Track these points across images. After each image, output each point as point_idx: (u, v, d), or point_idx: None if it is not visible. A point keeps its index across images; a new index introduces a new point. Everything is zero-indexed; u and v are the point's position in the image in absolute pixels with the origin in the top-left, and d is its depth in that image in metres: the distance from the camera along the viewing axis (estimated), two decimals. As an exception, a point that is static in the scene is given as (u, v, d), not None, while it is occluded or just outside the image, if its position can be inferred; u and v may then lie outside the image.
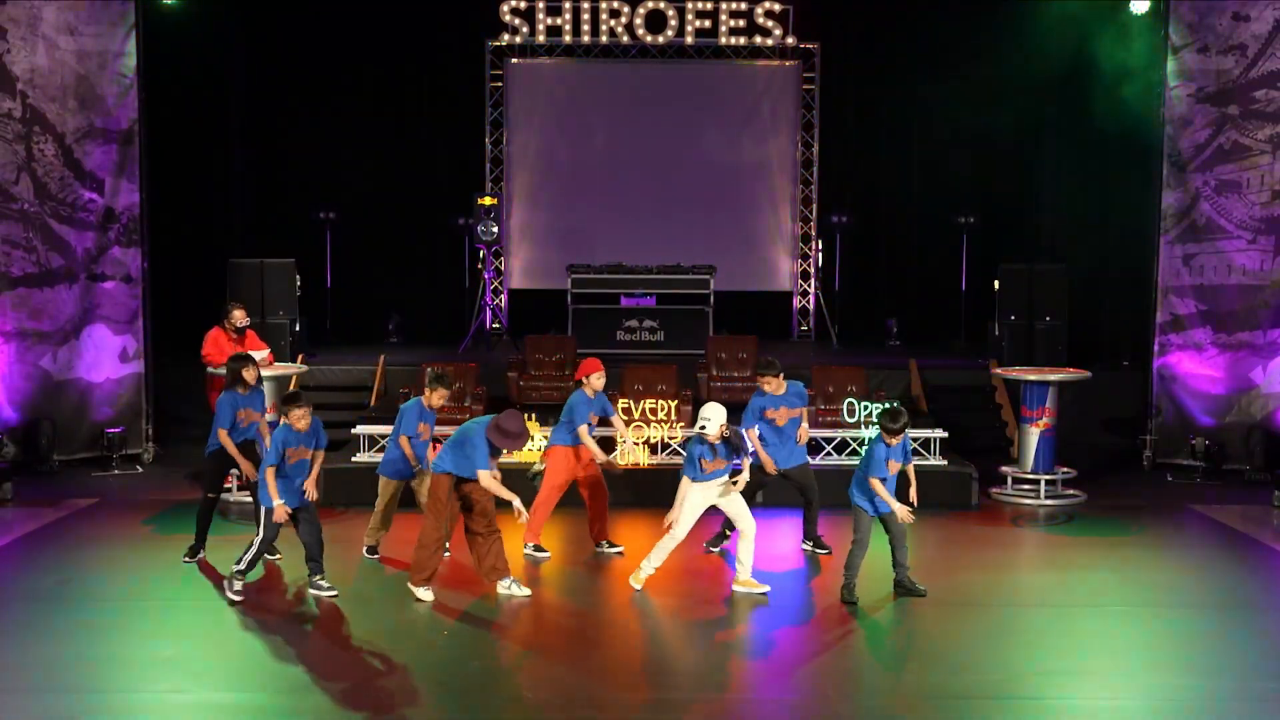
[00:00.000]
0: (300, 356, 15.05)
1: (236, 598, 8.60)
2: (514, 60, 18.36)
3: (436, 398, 9.61)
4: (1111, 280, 16.33)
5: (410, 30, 17.81)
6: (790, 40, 17.79)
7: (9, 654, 7.64)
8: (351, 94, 17.87)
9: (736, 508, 8.91)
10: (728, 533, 9.89)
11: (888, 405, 9.13)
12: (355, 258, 17.91)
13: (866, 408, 12.10)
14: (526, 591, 8.81)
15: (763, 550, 9.96)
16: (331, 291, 17.58)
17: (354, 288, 17.81)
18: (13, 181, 13.07)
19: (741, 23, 17.78)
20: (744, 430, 9.18)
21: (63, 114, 13.31)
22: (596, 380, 9.79)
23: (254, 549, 8.67)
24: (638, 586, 8.93)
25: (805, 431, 9.95)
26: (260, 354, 11.92)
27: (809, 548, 10.09)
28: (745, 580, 8.90)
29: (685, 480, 8.76)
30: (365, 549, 9.83)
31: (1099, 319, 16.65)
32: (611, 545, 9.98)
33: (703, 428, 8.64)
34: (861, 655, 7.89)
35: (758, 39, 17.80)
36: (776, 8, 17.67)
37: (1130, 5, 14.27)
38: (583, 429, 9.72)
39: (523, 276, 18.61)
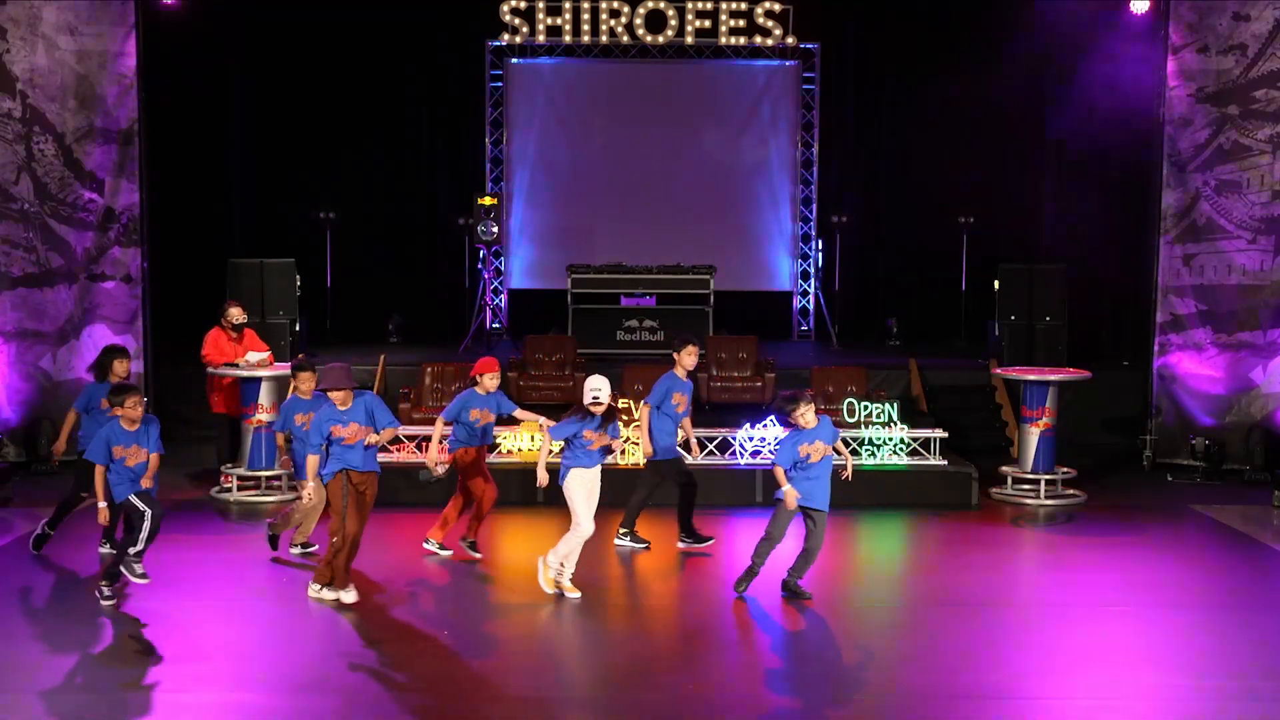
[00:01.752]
0: (300, 356, 15.03)
1: (107, 602, 8.50)
2: (514, 60, 18.36)
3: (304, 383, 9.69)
4: (1111, 280, 16.33)
5: (410, 30, 17.81)
6: (790, 40, 17.79)
7: (9, 654, 7.63)
8: (352, 94, 17.86)
9: (584, 507, 8.79)
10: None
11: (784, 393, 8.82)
12: (355, 258, 17.91)
13: (866, 408, 12.09)
14: (335, 597, 8.62)
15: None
16: (331, 291, 17.57)
17: (354, 288, 17.80)
18: (13, 181, 13.07)
19: (741, 23, 17.77)
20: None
21: (63, 114, 13.31)
22: (489, 380, 9.66)
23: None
24: (549, 590, 8.79)
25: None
26: (260, 355, 11.94)
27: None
28: (549, 578, 8.83)
29: (569, 472, 8.72)
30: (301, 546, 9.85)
31: (1099, 319, 16.65)
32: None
33: (595, 399, 8.65)
34: (861, 655, 7.89)
35: (757, 39, 17.79)
36: (776, 8, 17.67)
37: (1130, 5, 14.27)
38: (438, 421, 9.67)
39: (523, 276, 18.61)
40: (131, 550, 8.52)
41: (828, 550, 10.12)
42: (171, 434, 13.86)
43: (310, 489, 8.90)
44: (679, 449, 10.23)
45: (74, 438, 9.67)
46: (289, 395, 9.87)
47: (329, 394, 8.58)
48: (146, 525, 8.48)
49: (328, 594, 8.60)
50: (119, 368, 9.65)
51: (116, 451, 8.50)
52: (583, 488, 8.76)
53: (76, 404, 9.71)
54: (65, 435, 9.79)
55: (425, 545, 9.85)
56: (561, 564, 8.81)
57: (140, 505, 8.51)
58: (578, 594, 8.74)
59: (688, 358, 10.07)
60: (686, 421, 10.16)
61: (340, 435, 8.49)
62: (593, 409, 8.66)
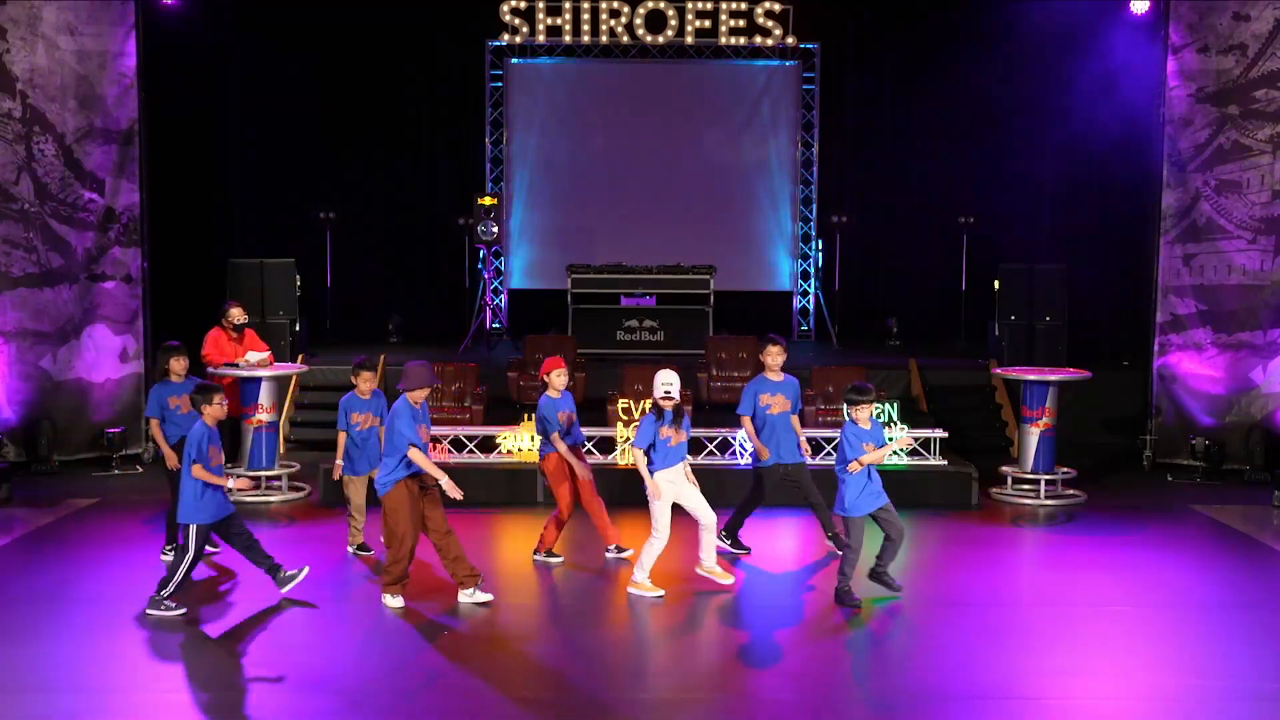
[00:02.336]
0: (300, 356, 15.06)
1: (169, 612, 8.37)
2: (514, 60, 18.37)
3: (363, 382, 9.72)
4: (1111, 280, 16.33)
5: (410, 30, 17.83)
6: (790, 40, 17.80)
7: (9, 654, 7.63)
8: (352, 94, 17.87)
9: (695, 500, 8.82)
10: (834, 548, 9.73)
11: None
12: (355, 258, 17.93)
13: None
14: (488, 596, 8.63)
15: (762, 550, 10.00)
16: (331, 291, 17.58)
17: (354, 288, 17.82)
18: (13, 181, 13.07)
19: (741, 23, 17.79)
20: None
21: (63, 114, 13.31)
22: (557, 379, 9.56)
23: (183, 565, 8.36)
24: (635, 592, 8.86)
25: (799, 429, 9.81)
26: (260, 355, 11.94)
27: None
28: (709, 568, 8.91)
29: (648, 475, 8.66)
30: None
31: (1099, 319, 16.65)
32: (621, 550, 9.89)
33: (667, 394, 8.61)
34: (861, 655, 7.89)
35: (758, 39, 17.80)
36: (776, 8, 17.68)
37: (1130, 5, 14.27)
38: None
39: (523, 276, 18.62)
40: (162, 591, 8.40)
41: (827, 550, 10.15)
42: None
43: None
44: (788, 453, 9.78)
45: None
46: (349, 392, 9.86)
47: (409, 394, 8.45)
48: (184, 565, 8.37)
49: (394, 601, 8.54)
50: (176, 366, 9.60)
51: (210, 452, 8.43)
52: (669, 489, 8.72)
53: (149, 411, 9.68)
54: (164, 444, 9.55)
55: (535, 559, 9.74)
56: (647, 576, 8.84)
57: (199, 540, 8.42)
58: (660, 591, 8.75)
59: (768, 358, 9.71)
60: (795, 420, 9.78)
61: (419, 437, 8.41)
62: (663, 404, 8.62)
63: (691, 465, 9.97)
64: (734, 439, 11.93)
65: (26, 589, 8.99)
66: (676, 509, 8.82)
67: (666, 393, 8.61)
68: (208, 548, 9.45)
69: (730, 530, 9.95)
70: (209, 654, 7.74)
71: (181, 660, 7.59)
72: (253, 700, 7.01)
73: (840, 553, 9.01)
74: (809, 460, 9.82)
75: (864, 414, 8.46)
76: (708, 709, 6.95)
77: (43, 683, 7.18)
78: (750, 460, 10.04)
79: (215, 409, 8.56)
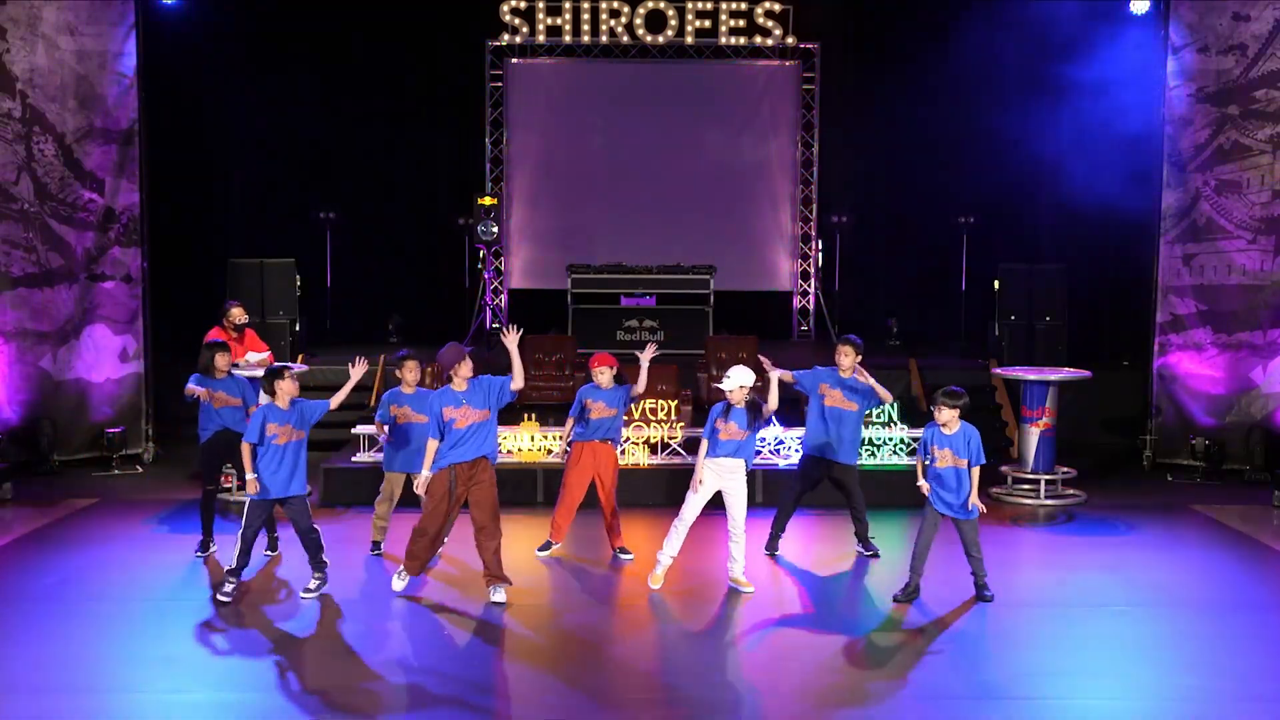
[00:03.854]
0: (300, 356, 15.06)
1: (225, 599, 8.55)
2: (514, 60, 18.38)
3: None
4: (1111, 280, 16.33)
5: (410, 30, 17.83)
6: (790, 40, 17.81)
7: (9, 654, 7.63)
8: (352, 94, 17.88)
9: (736, 504, 8.85)
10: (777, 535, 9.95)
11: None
12: (355, 258, 17.93)
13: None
14: (503, 599, 8.64)
15: (758, 550, 10.00)
16: (331, 291, 17.59)
17: (354, 288, 17.83)
18: (13, 181, 13.07)
19: (741, 23, 17.80)
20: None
21: (63, 114, 13.31)
22: (600, 375, 9.64)
23: (238, 543, 8.59)
24: (655, 586, 8.93)
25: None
26: (260, 355, 11.94)
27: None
28: (736, 578, 8.94)
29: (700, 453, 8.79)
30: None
31: (1099, 319, 16.66)
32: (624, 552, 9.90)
33: (733, 389, 8.69)
34: (861, 655, 7.89)
35: (757, 39, 17.81)
36: (776, 8, 17.69)
37: (1130, 5, 14.27)
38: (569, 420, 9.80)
39: (523, 276, 18.62)
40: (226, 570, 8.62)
41: (827, 551, 10.15)
42: (171, 434, 14.00)
43: (424, 479, 8.65)
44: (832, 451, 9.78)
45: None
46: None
47: (454, 376, 8.45)
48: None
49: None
50: (220, 362, 9.69)
51: (270, 429, 8.46)
52: (711, 479, 8.82)
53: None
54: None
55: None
56: (671, 558, 8.95)
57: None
58: (751, 588, 8.87)
59: (841, 358, 9.73)
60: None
61: (452, 417, 8.41)
62: (730, 398, 8.72)
63: (691, 465, 9.99)
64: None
65: (26, 589, 8.99)
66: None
67: (730, 388, 8.71)
68: (267, 552, 9.57)
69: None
70: (209, 654, 7.73)
71: (182, 660, 7.58)
72: (253, 700, 7.00)
73: (870, 556, 9.43)
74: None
75: (946, 417, 8.53)
76: (708, 708, 6.95)
77: (43, 683, 7.18)
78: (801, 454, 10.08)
79: (287, 384, 8.55)
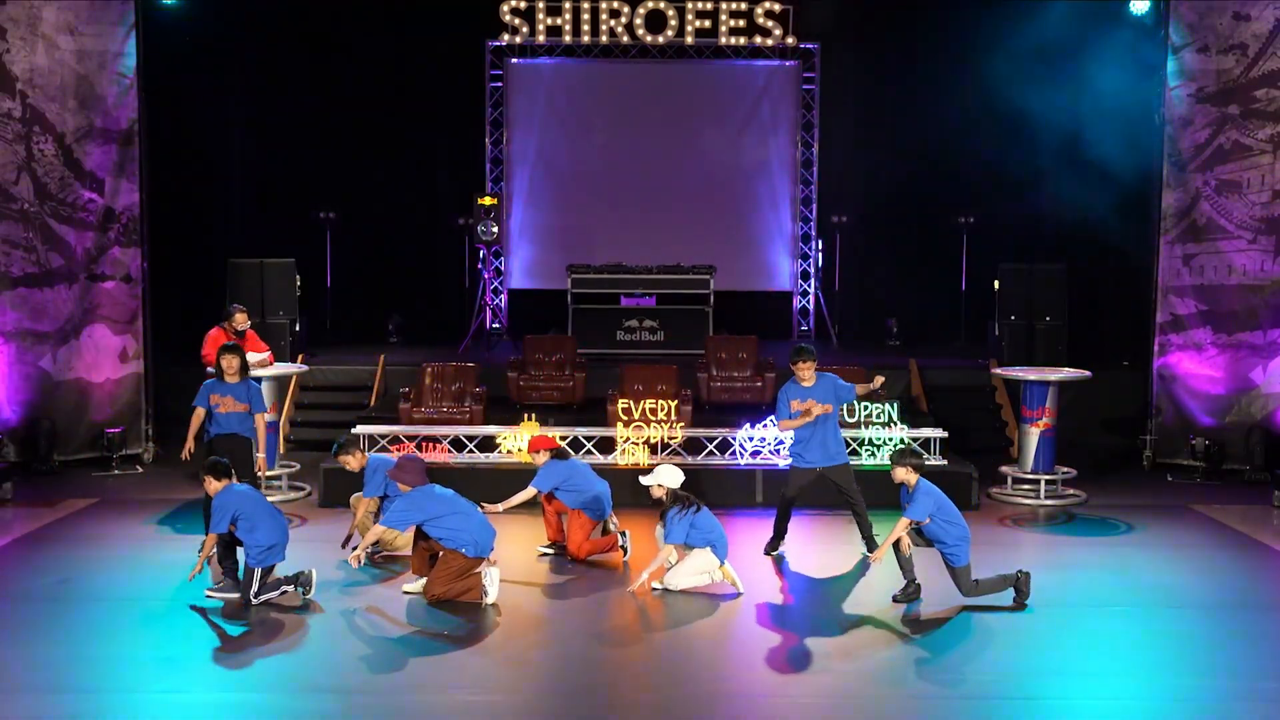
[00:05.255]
0: (300, 356, 15.06)
1: (220, 596, 8.63)
2: (514, 60, 18.37)
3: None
4: (1111, 280, 16.33)
5: (410, 30, 17.82)
6: (790, 40, 17.80)
7: (9, 654, 7.63)
8: (352, 94, 17.87)
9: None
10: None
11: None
12: (355, 258, 17.93)
13: (866, 408, 12.08)
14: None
15: (761, 550, 10.00)
16: (331, 291, 17.58)
17: (354, 288, 17.82)
18: (13, 181, 13.07)
19: (741, 23, 17.79)
20: (777, 420, 9.24)
21: (63, 114, 13.31)
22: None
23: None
24: (658, 586, 8.96)
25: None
26: (260, 355, 11.94)
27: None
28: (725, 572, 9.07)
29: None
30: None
31: (1099, 319, 16.65)
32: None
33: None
34: (861, 656, 7.88)
35: (758, 39, 17.81)
36: (776, 8, 17.68)
37: (1130, 5, 14.27)
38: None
39: (523, 276, 18.62)
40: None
41: (827, 551, 10.14)
42: (171, 434, 13.99)
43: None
44: (829, 457, 9.79)
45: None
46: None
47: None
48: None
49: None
50: (229, 364, 9.87)
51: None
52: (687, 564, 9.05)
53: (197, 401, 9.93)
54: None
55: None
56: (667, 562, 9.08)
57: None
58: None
59: (801, 372, 9.69)
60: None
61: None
62: (651, 492, 9.14)
63: (691, 464, 10.02)
64: (733, 439, 11.93)
65: (26, 589, 8.99)
66: None
67: (649, 483, 9.14)
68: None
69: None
70: (209, 654, 7.73)
71: (182, 660, 7.58)
72: (253, 700, 7.00)
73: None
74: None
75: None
76: (708, 708, 6.95)
77: (43, 683, 7.18)
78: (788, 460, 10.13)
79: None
